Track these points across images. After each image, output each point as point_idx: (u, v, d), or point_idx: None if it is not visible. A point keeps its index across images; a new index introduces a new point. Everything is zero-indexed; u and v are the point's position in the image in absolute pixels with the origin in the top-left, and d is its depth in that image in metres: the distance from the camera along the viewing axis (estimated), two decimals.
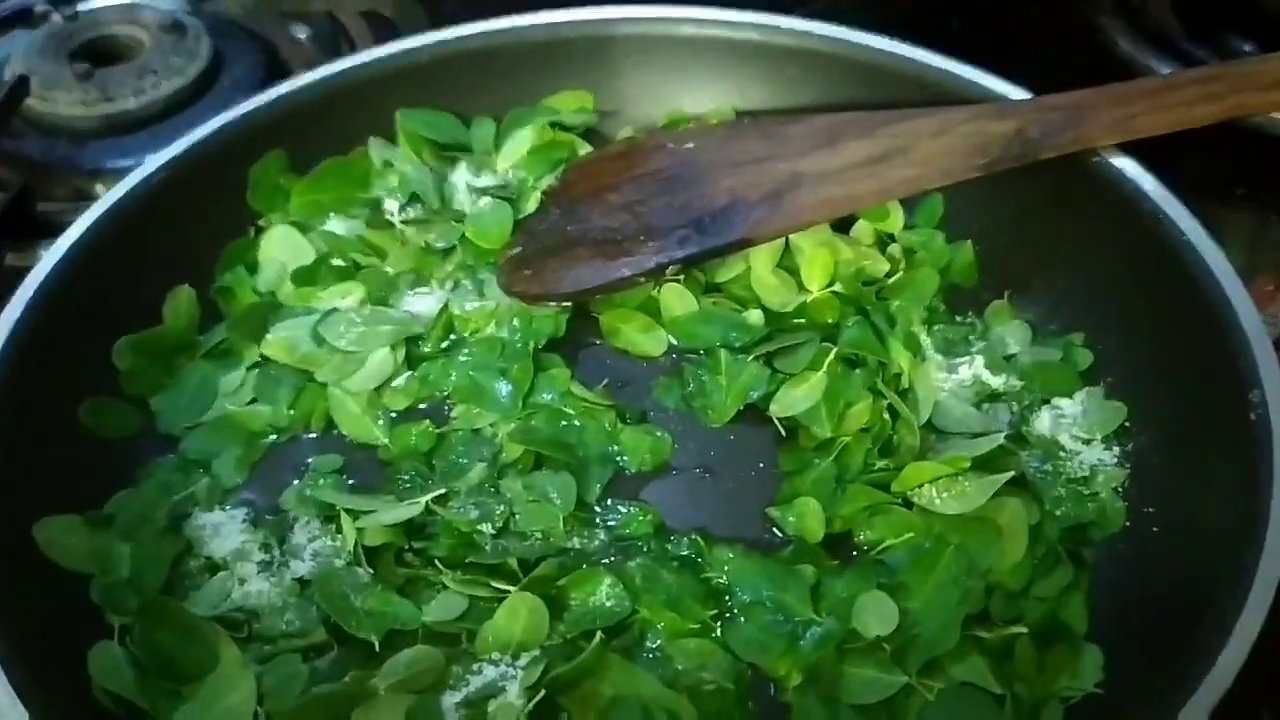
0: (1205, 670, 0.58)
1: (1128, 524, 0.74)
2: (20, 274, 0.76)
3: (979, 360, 0.81)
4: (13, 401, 0.72)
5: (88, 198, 0.80)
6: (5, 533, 0.69)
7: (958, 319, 0.86)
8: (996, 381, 0.80)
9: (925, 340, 0.83)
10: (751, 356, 0.82)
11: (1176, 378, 0.75)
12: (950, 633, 0.67)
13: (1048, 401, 0.80)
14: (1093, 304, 0.82)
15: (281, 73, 1.14)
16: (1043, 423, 0.79)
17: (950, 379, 0.81)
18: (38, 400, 0.74)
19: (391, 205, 0.91)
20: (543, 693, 0.65)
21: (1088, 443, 0.77)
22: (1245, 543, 0.62)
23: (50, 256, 0.77)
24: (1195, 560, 0.67)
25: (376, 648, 0.68)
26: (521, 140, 0.93)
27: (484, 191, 0.91)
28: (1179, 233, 0.74)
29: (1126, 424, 0.77)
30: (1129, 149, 0.79)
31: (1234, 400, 0.68)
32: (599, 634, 0.68)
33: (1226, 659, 0.58)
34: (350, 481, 0.78)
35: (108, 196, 0.81)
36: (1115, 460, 0.76)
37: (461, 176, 0.92)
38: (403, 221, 0.90)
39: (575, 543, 0.74)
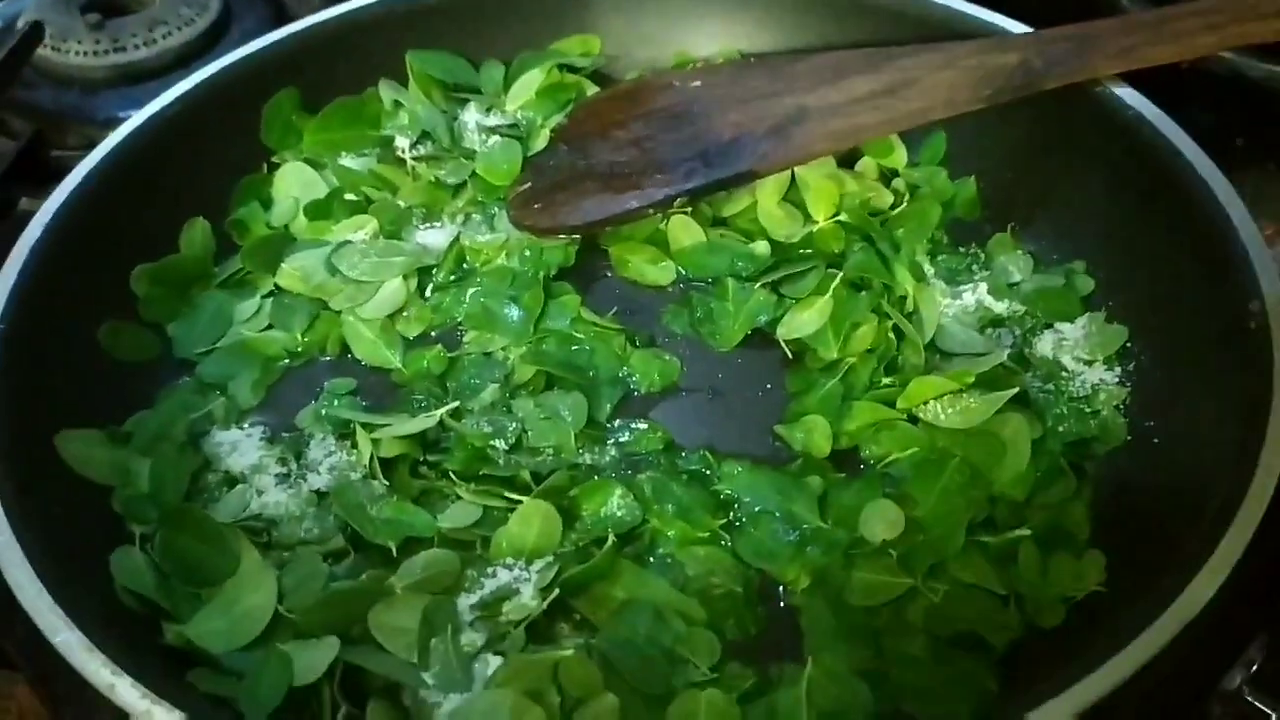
0: (1204, 559, 0.59)
1: (1129, 438, 0.75)
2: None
3: (982, 287, 0.83)
4: (34, 320, 0.73)
5: None
6: (31, 445, 0.70)
7: (961, 250, 0.87)
8: (1000, 307, 0.82)
9: (929, 269, 0.84)
10: (759, 283, 0.83)
11: (1177, 297, 0.76)
12: (955, 538, 0.69)
13: (1050, 326, 0.81)
14: (1094, 233, 0.84)
15: None
16: (1045, 345, 0.80)
17: (954, 305, 0.82)
18: (58, 320, 0.75)
19: (402, 143, 0.92)
20: (556, 593, 0.66)
21: (1089, 364, 0.79)
22: (1245, 448, 0.63)
23: (68, 182, 0.79)
24: (1195, 469, 0.68)
25: (394, 553, 0.69)
26: (530, 81, 0.95)
27: (493, 130, 0.93)
28: (1177, 153, 0.76)
29: (1128, 344, 0.79)
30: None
31: (1234, 312, 0.69)
32: (611, 539, 0.69)
33: (1225, 549, 0.59)
34: (364, 403, 0.79)
35: (125, 126, 0.83)
36: (1116, 379, 0.78)
37: (471, 116, 0.94)
38: (414, 158, 0.91)
39: (586, 458, 0.76)
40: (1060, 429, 0.75)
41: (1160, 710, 0.67)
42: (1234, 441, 0.64)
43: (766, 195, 0.88)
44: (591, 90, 0.95)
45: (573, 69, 0.96)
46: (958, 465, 0.72)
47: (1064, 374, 0.78)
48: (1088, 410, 0.76)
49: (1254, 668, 0.66)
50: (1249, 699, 0.65)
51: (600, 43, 0.98)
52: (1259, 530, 0.60)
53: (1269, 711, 0.64)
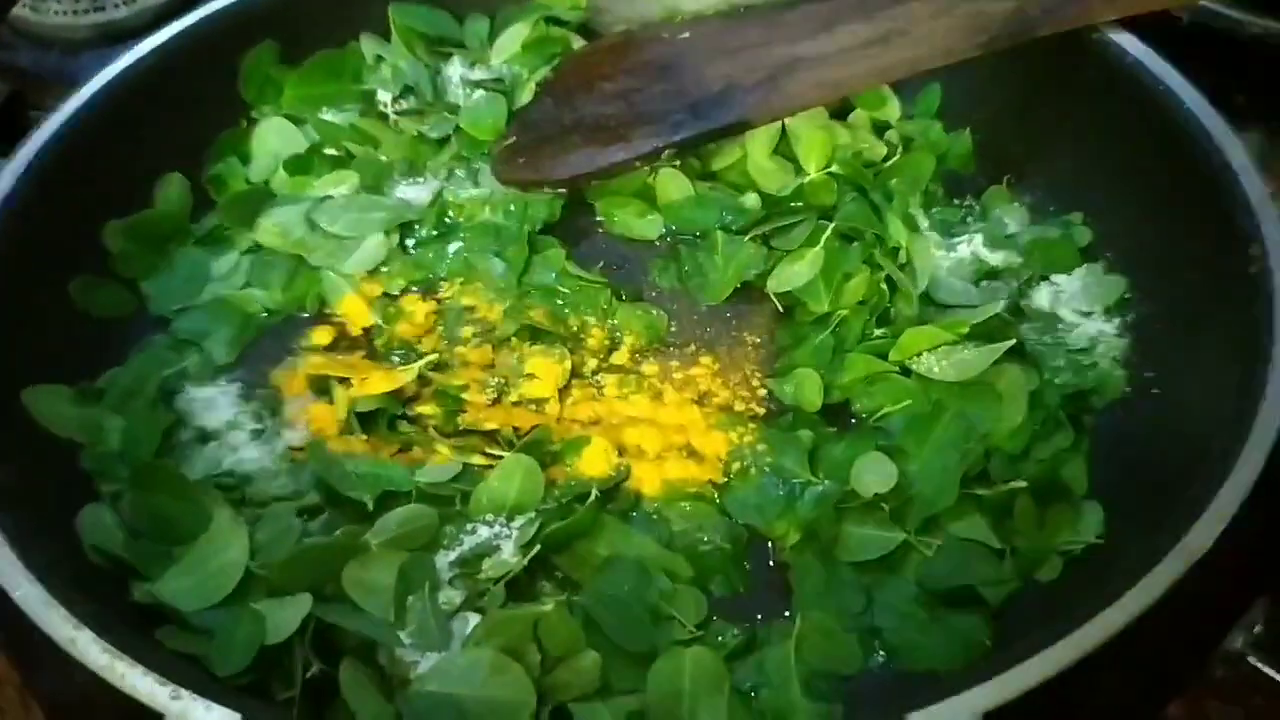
0: (1202, 511, 0.57)
1: (1127, 389, 0.73)
2: None
3: (978, 238, 0.81)
4: (4, 274, 0.71)
5: None
6: None
7: (956, 202, 0.85)
8: (995, 258, 0.80)
9: (923, 221, 0.82)
10: (748, 236, 0.81)
11: (1176, 246, 0.74)
12: (949, 491, 0.67)
13: (1047, 278, 0.79)
14: (1092, 183, 0.82)
15: None
16: (1042, 298, 0.78)
17: (949, 257, 0.80)
18: (29, 274, 0.73)
19: (384, 97, 0.90)
20: (537, 549, 0.64)
21: (1088, 315, 0.77)
22: (1245, 397, 0.61)
23: (40, 135, 0.76)
24: (1195, 419, 0.67)
25: (370, 508, 0.67)
26: (515, 35, 0.92)
27: (478, 84, 0.90)
28: (1177, 100, 0.74)
29: (1127, 295, 0.77)
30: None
31: (1233, 257, 0.67)
32: (594, 494, 0.67)
33: (1223, 500, 0.57)
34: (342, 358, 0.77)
35: (98, 78, 0.80)
36: (1115, 331, 0.76)
37: (455, 70, 0.92)
38: (396, 113, 0.89)
39: (570, 413, 0.74)
40: (1058, 381, 0.73)
41: (1164, 671, 0.65)
42: (1234, 390, 0.63)
43: (757, 147, 0.86)
44: (578, 44, 0.93)
45: (559, 22, 0.94)
46: (952, 418, 0.70)
47: (1061, 326, 0.76)
48: (1086, 362, 0.74)
49: (1256, 630, 0.65)
50: (1251, 661, 0.63)
51: None
52: (1261, 488, 0.58)
53: (1271, 673, 0.63)
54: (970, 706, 0.51)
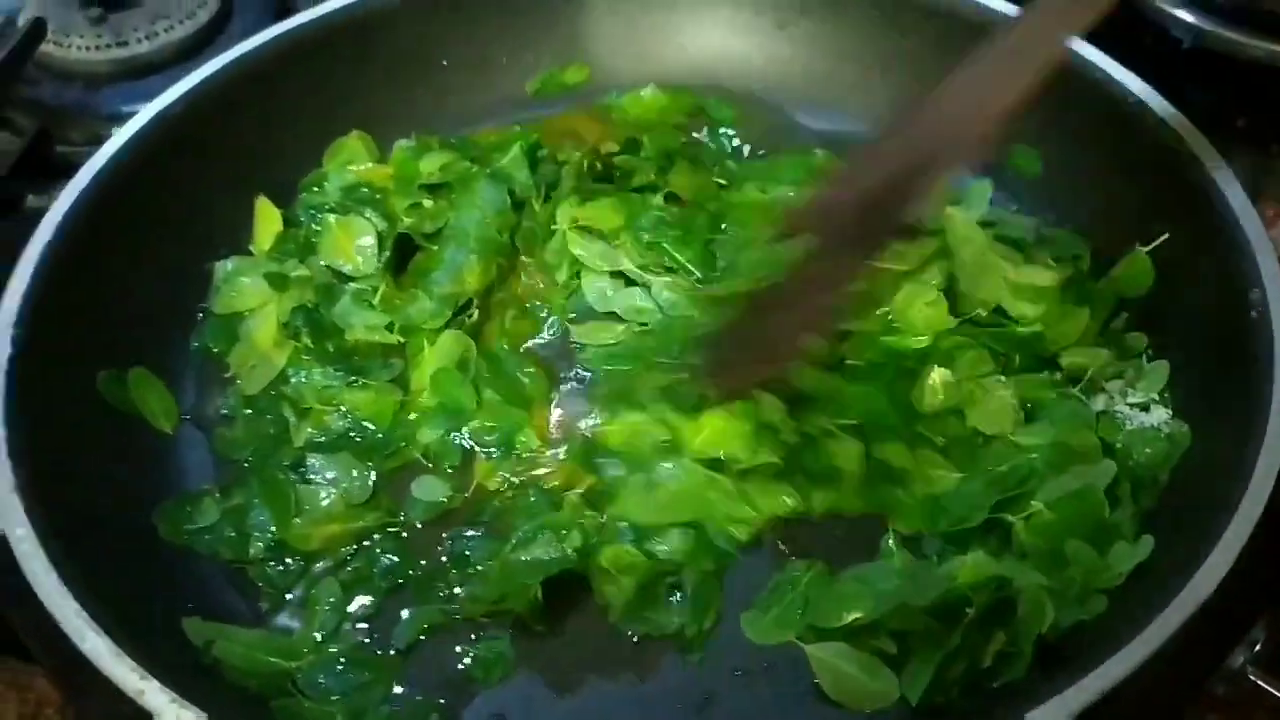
0: (1213, 543, 0.59)
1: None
2: (41, 215, 0.77)
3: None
4: (50, 322, 0.73)
5: (104, 142, 0.82)
6: (53, 447, 0.69)
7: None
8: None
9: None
10: None
11: (1177, 287, 0.76)
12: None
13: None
14: (1090, 216, 0.84)
15: None
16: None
17: None
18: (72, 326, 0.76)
19: None
20: None
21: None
22: (1246, 437, 0.63)
23: (73, 187, 0.78)
24: (1198, 456, 0.70)
25: None
26: None
27: None
28: (1179, 141, 0.76)
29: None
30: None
31: (1234, 302, 0.69)
32: None
33: (1232, 534, 0.60)
34: None
35: (128, 126, 0.82)
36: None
37: None
38: None
39: None
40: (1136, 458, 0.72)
41: (1166, 690, 0.67)
42: (1236, 429, 0.65)
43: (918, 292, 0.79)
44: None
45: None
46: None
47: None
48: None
49: (1256, 647, 0.66)
50: (1252, 678, 0.65)
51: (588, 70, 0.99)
52: (1261, 514, 0.60)
53: (1272, 690, 0.65)
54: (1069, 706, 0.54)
